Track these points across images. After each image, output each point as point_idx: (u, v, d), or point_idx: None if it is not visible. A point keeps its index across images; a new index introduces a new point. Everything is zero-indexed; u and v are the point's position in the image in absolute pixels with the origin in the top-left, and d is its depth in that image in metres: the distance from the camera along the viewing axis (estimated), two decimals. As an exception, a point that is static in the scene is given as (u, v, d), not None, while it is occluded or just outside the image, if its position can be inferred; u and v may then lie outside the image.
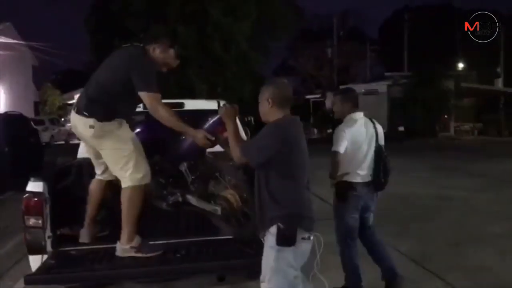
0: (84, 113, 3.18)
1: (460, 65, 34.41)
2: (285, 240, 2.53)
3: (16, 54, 27.62)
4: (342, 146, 3.83)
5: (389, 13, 47.55)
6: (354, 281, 4.05)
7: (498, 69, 33.29)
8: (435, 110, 24.14)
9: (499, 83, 32.11)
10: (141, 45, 3.36)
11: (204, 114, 5.18)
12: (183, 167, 3.58)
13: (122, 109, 3.28)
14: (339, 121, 4.12)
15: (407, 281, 4.10)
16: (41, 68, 34.60)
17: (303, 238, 2.58)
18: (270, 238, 2.60)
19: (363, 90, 26.68)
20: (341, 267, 4.11)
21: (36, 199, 3.26)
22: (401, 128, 23.35)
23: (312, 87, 39.61)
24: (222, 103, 3.17)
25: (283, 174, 2.60)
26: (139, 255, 3.25)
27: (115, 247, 3.31)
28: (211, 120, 3.33)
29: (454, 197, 8.50)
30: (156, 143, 3.36)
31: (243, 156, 2.69)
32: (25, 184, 3.36)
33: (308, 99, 34.57)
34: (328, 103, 29.97)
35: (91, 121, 3.18)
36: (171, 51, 3.38)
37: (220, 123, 3.03)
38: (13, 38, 27.65)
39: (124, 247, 3.27)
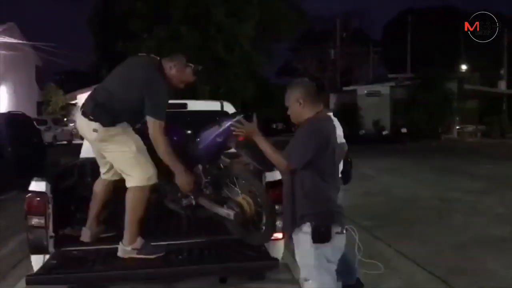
0: (90, 117, 3.21)
1: (463, 67, 34.34)
2: (321, 236, 2.58)
3: (19, 54, 27.71)
4: None
5: (392, 15, 47.48)
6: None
7: (501, 71, 33.24)
8: (438, 112, 24.09)
9: (502, 85, 32.06)
10: (158, 59, 3.41)
11: (207, 115, 5.20)
12: (198, 170, 3.56)
13: (128, 118, 3.30)
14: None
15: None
16: (44, 68, 34.68)
17: (337, 233, 2.64)
18: (304, 237, 2.64)
19: (365, 92, 26.72)
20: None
21: (38, 199, 3.26)
22: (404, 130, 23.31)
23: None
24: (237, 116, 3.11)
25: (318, 173, 2.65)
26: (141, 256, 3.24)
27: (117, 247, 3.31)
28: (223, 127, 3.27)
29: (458, 200, 8.47)
30: (171, 146, 3.34)
31: (287, 163, 2.66)
32: (28, 184, 3.37)
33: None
34: (331, 104, 29.97)
35: (95, 125, 3.21)
36: (188, 70, 3.46)
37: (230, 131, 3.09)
38: (17, 38, 27.75)
39: (126, 248, 3.27)
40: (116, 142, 3.25)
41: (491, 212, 7.56)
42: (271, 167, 3.32)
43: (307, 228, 2.61)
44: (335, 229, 2.63)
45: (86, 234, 3.50)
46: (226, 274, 3.37)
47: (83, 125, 3.28)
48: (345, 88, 29.89)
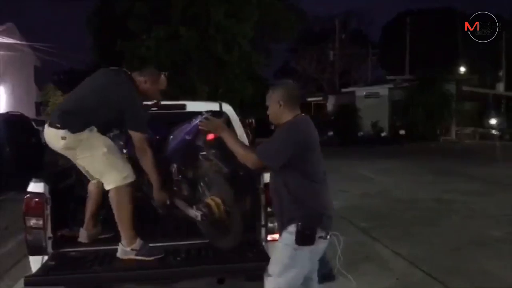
0: (57, 125, 3.19)
1: (462, 69, 34.38)
2: (305, 239, 2.57)
3: (18, 55, 27.66)
4: None
5: (391, 16, 47.47)
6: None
7: (500, 73, 33.30)
8: (437, 114, 24.13)
9: (501, 87, 32.12)
10: (129, 73, 3.44)
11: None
12: (173, 168, 3.57)
13: (98, 126, 3.28)
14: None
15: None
16: (43, 69, 34.60)
17: (321, 237, 2.62)
18: (287, 236, 2.62)
19: (364, 93, 26.75)
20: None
21: (37, 199, 3.26)
22: (402, 132, 23.35)
23: (314, 90, 39.64)
24: (204, 113, 3.06)
25: (301, 174, 2.64)
26: (140, 258, 3.25)
27: (115, 248, 3.31)
28: (192, 124, 3.30)
29: (455, 201, 8.48)
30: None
31: (260, 161, 2.67)
32: (26, 184, 3.37)
33: (310, 102, 34.56)
34: (329, 106, 30.02)
35: (63, 132, 3.18)
36: (162, 78, 3.53)
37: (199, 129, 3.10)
38: (16, 39, 27.68)
39: (125, 249, 3.27)
40: (85, 147, 3.23)
41: (489, 213, 7.58)
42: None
43: (292, 228, 2.60)
44: (319, 233, 2.62)
45: (83, 235, 3.51)
46: (223, 275, 3.37)
47: (51, 135, 3.25)
48: (343, 90, 29.93)
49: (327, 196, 2.78)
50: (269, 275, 2.67)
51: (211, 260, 3.27)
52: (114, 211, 3.26)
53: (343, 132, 24.64)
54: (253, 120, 28.39)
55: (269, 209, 3.31)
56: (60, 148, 3.26)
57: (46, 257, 3.26)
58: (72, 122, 3.19)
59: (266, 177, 3.48)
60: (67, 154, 3.33)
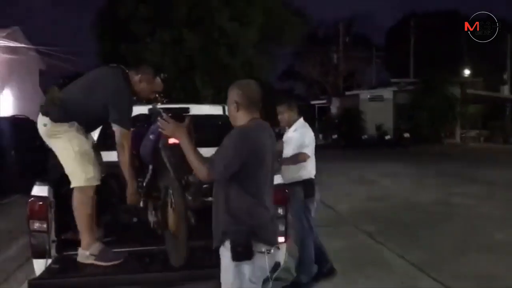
0: (42, 111, 3.26)
1: (466, 72, 34.29)
2: (240, 254, 2.38)
3: (23, 58, 27.78)
4: (310, 148, 4.26)
5: (395, 20, 47.50)
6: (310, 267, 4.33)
7: (505, 76, 33.17)
8: (441, 117, 24.06)
9: (505, 90, 31.99)
10: (126, 71, 3.40)
11: (209, 119, 5.21)
12: (148, 169, 3.49)
13: (81, 120, 3.29)
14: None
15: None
16: (48, 72, 34.74)
17: (260, 252, 2.42)
18: (225, 253, 2.44)
19: (368, 96, 26.72)
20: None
21: (40, 203, 3.26)
22: (407, 135, 23.28)
23: (318, 93, 39.61)
24: (164, 115, 2.70)
25: (244, 189, 2.43)
26: (99, 263, 3.20)
27: (118, 251, 3.31)
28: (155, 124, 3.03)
29: (460, 204, 8.44)
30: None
31: (210, 174, 2.39)
32: (31, 188, 3.37)
33: (314, 105, 34.56)
34: (333, 109, 29.99)
35: (45, 119, 3.24)
36: (157, 80, 3.48)
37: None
38: (21, 42, 27.81)
39: (84, 253, 3.25)
40: (61, 139, 3.25)
41: (494, 216, 7.53)
42: None
43: (228, 244, 2.41)
44: (258, 248, 2.41)
45: None
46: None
47: (38, 121, 3.31)
48: (347, 93, 29.89)
49: (266, 214, 2.51)
50: None
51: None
52: (74, 212, 3.23)
53: (347, 135, 24.61)
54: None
55: None
56: (43, 135, 3.30)
57: (50, 261, 3.26)
58: (55, 111, 3.23)
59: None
60: (49, 143, 3.34)
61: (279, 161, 4.02)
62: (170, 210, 3.00)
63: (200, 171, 2.38)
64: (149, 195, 3.42)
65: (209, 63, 19.44)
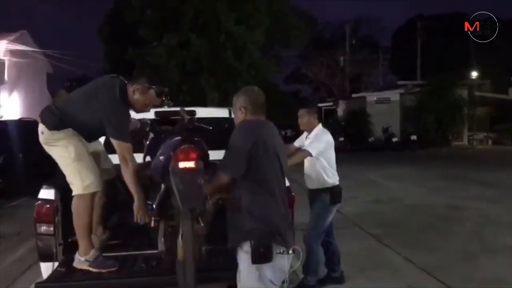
0: (40, 119, 3.27)
1: (474, 74, 34.09)
2: (261, 257, 2.40)
3: (31, 62, 27.98)
4: (329, 153, 4.32)
5: (402, 22, 47.36)
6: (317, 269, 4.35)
7: (512, 78, 32.94)
8: (448, 119, 23.92)
9: (514, 93, 31.75)
10: (125, 82, 3.30)
11: (215, 121, 5.21)
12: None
13: (79, 130, 3.27)
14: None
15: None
16: (55, 75, 34.97)
17: (279, 253, 2.46)
18: (244, 256, 2.46)
19: (375, 99, 26.61)
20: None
21: (47, 206, 3.28)
22: (414, 137, 23.15)
23: (324, 95, 39.55)
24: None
25: (258, 184, 2.47)
26: (93, 269, 3.19)
27: (125, 255, 3.32)
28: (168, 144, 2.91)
29: (468, 207, 8.38)
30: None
31: (226, 175, 2.50)
32: (38, 190, 3.39)
33: (320, 108, 34.49)
34: (340, 111, 29.91)
35: (42, 127, 3.25)
36: (151, 92, 3.27)
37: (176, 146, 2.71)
38: (29, 46, 28.02)
39: (80, 259, 3.25)
40: (58, 147, 3.24)
41: (502, 220, 7.47)
42: None
43: (247, 247, 2.43)
44: (278, 249, 2.44)
45: (94, 240, 3.51)
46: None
47: (39, 129, 3.31)
48: (354, 95, 29.77)
49: (282, 211, 2.56)
50: None
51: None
52: (73, 218, 3.22)
53: (354, 137, 24.51)
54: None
55: None
56: (41, 143, 3.30)
57: (56, 264, 3.28)
58: (51, 119, 3.23)
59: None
60: (48, 151, 3.31)
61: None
62: (179, 239, 2.79)
63: (219, 180, 2.53)
64: (162, 215, 3.11)
65: (216, 66, 19.50)
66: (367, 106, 26.23)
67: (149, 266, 3.19)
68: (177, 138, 2.80)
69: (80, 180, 3.20)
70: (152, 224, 2.93)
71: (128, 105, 3.27)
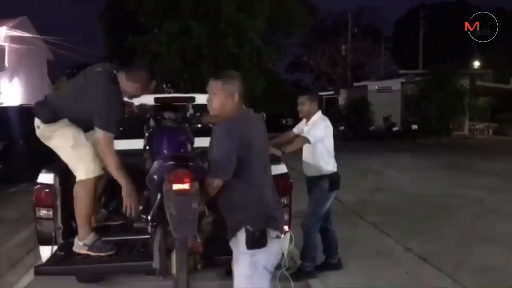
0: (35, 113, 3.31)
1: (476, 64, 33.95)
2: (256, 242, 2.40)
3: (32, 48, 27.89)
4: (328, 141, 4.34)
5: (404, 11, 47.11)
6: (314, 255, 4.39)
7: (515, 68, 32.81)
8: (449, 109, 23.86)
9: (515, 82, 31.64)
10: (115, 72, 3.26)
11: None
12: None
13: (72, 120, 3.27)
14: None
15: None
16: (56, 62, 34.87)
17: (273, 238, 2.46)
18: (239, 244, 2.45)
19: (376, 88, 26.56)
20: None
21: (47, 190, 3.31)
22: (414, 126, 23.14)
23: (326, 84, 39.48)
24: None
25: (244, 178, 2.44)
26: (91, 253, 3.23)
27: (124, 239, 3.34)
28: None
29: (467, 196, 8.39)
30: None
31: (218, 180, 2.43)
32: (38, 176, 3.42)
33: (321, 96, 34.43)
34: (341, 100, 29.87)
35: (37, 121, 3.29)
36: (153, 83, 3.34)
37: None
38: (29, 32, 27.92)
39: (78, 243, 3.27)
40: (56, 137, 3.27)
41: (501, 208, 7.49)
42: None
43: (242, 233, 2.42)
44: (271, 234, 2.45)
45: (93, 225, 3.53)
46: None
47: (35, 123, 3.33)
48: (355, 84, 29.72)
49: (272, 198, 2.59)
50: None
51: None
52: (74, 203, 3.24)
53: (355, 126, 24.50)
54: (264, 115, 28.42)
55: None
56: (39, 137, 3.33)
57: (55, 247, 3.30)
58: (44, 113, 3.27)
59: (273, 168, 3.48)
60: (47, 144, 3.34)
61: (284, 150, 4.04)
62: (173, 255, 2.64)
63: (211, 187, 2.43)
64: (159, 220, 2.84)
65: (216, 54, 19.43)
66: (368, 95, 26.18)
67: (147, 251, 3.20)
68: (170, 162, 2.64)
69: (82, 166, 3.21)
70: (149, 230, 2.82)
71: (120, 93, 3.24)
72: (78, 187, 3.24)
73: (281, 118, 33.25)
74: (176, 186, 2.31)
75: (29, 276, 4.34)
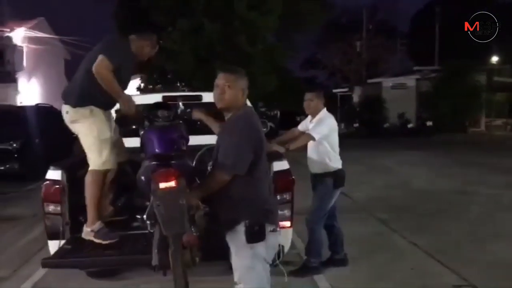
0: (63, 101, 3.52)
1: (494, 59, 33.36)
2: (255, 236, 2.47)
3: (49, 48, 28.33)
4: (332, 138, 4.36)
5: (420, 6, 46.51)
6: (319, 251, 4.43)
7: (534, 63, 32.19)
8: (465, 105, 23.55)
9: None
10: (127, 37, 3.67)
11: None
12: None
13: (95, 99, 3.46)
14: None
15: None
16: (72, 62, 35.33)
17: (271, 231, 2.54)
18: (238, 237, 2.51)
19: (391, 84, 26.35)
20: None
21: (55, 187, 3.41)
22: (429, 123, 22.92)
23: (340, 81, 39.27)
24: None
25: (253, 174, 2.52)
26: (96, 240, 3.41)
27: (129, 234, 3.44)
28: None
29: (480, 193, 8.33)
30: None
31: (229, 173, 2.49)
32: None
33: (336, 93, 34.30)
34: (355, 97, 29.70)
35: (66, 107, 3.53)
36: (157, 46, 3.81)
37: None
38: (46, 33, 28.37)
39: (86, 229, 3.46)
40: (83, 125, 3.50)
41: (513, 205, 7.42)
42: None
43: (241, 227, 2.48)
44: (269, 227, 2.53)
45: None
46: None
47: (62, 110, 3.60)
48: (369, 81, 29.51)
49: (269, 193, 2.70)
50: (238, 283, 2.55)
51: None
52: (85, 190, 3.43)
53: (369, 123, 24.36)
54: (278, 112, 28.38)
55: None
56: (66, 122, 3.57)
57: (63, 241, 3.41)
58: (70, 98, 3.52)
59: (275, 165, 3.54)
60: (72, 129, 3.59)
61: (288, 147, 4.08)
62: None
63: (218, 180, 2.50)
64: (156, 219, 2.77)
65: (229, 52, 19.46)
66: (383, 91, 26.00)
67: (149, 245, 3.29)
68: (154, 163, 2.76)
69: (98, 157, 3.43)
70: (149, 227, 2.87)
71: (129, 44, 3.59)
72: (89, 176, 3.44)
73: (296, 116, 33.20)
74: (162, 185, 2.38)
75: (42, 271, 4.47)
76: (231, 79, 2.60)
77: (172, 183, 2.38)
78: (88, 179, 3.44)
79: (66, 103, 3.52)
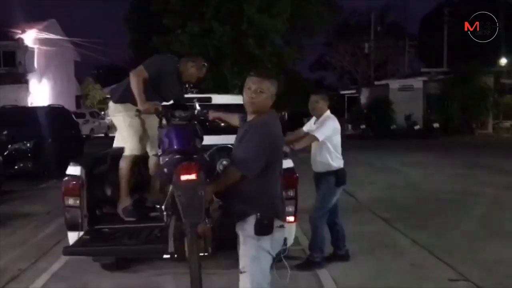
0: (108, 96, 4.04)
1: (503, 61, 33.22)
2: (264, 229, 2.61)
3: (59, 50, 28.76)
4: (335, 139, 4.57)
5: (429, 8, 46.46)
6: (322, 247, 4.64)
7: (542, 66, 32.02)
8: (473, 107, 23.55)
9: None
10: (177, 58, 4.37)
11: (231, 108, 5.51)
12: None
13: (132, 95, 3.97)
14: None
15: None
16: (83, 63, 35.81)
17: (278, 227, 2.68)
18: (247, 228, 2.65)
19: (398, 86, 26.38)
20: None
21: (74, 182, 3.67)
22: (436, 125, 22.95)
23: (348, 83, 39.35)
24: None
25: (264, 174, 2.65)
26: (122, 216, 4.09)
27: (142, 226, 3.71)
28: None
29: (484, 194, 8.43)
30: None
31: (242, 173, 2.63)
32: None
33: (343, 95, 34.40)
34: (362, 99, 29.78)
35: (110, 103, 4.34)
36: (203, 68, 4.42)
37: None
38: (57, 34, 28.80)
39: (119, 206, 4.10)
40: (119, 118, 4.23)
41: (516, 206, 7.52)
42: None
43: (251, 219, 2.63)
44: (277, 223, 2.67)
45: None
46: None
47: (109, 103, 4.38)
48: (377, 83, 29.56)
49: (280, 190, 2.84)
50: (242, 271, 2.66)
51: None
52: (119, 172, 4.09)
53: (376, 125, 24.44)
54: (286, 114, 28.50)
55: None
56: (110, 115, 4.47)
57: (82, 233, 3.67)
58: (114, 95, 4.34)
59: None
60: (113, 120, 4.40)
61: (292, 146, 4.28)
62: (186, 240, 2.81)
63: (232, 178, 2.65)
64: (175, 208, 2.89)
65: (238, 54, 19.70)
66: (390, 93, 26.03)
67: (163, 235, 3.52)
68: (177, 156, 2.94)
69: (128, 145, 4.17)
70: (165, 218, 3.00)
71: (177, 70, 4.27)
72: (122, 160, 4.13)
73: (304, 117, 33.29)
74: (184, 177, 2.57)
75: (59, 263, 4.74)
76: (265, 85, 2.66)
77: (193, 176, 2.57)
78: (121, 163, 4.12)
79: (111, 99, 4.31)
